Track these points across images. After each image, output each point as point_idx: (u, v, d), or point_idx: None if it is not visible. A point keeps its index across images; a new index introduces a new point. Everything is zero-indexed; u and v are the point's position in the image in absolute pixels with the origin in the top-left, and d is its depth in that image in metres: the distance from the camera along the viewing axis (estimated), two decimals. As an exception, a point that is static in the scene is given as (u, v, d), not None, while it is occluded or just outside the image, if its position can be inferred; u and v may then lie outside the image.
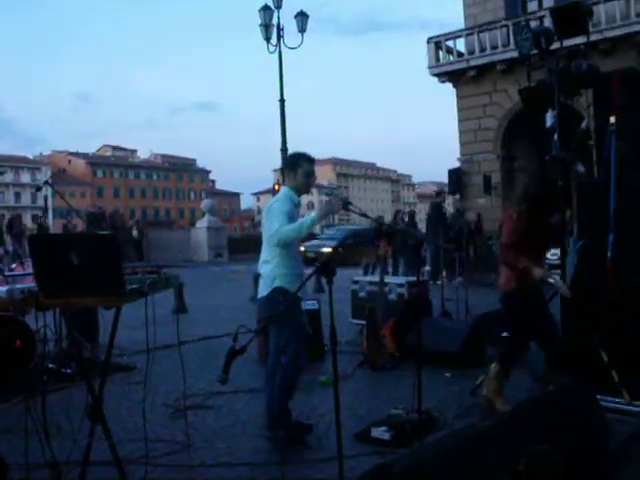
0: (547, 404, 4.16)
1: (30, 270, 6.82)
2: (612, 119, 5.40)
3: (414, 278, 8.50)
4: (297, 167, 4.71)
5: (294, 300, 4.40)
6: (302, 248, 21.14)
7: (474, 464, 3.30)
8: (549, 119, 5.50)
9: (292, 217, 4.52)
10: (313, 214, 4.51)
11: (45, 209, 7.58)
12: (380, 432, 4.53)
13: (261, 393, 5.93)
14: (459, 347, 6.77)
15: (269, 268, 4.57)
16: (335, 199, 4.49)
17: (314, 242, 25.42)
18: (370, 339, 6.94)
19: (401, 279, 8.54)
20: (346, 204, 4.44)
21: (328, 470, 3.96)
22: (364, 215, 4.61)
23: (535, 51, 5.85)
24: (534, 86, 5.65)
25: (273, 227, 4.48)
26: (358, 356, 7.05)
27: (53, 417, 3.70)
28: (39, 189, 7.72)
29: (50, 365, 6.58)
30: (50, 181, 7.87)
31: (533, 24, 17.97)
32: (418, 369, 4.00)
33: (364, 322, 7.50)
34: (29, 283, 4.44)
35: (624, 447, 4.33)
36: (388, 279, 7.99)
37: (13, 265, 7.00)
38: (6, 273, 6.41)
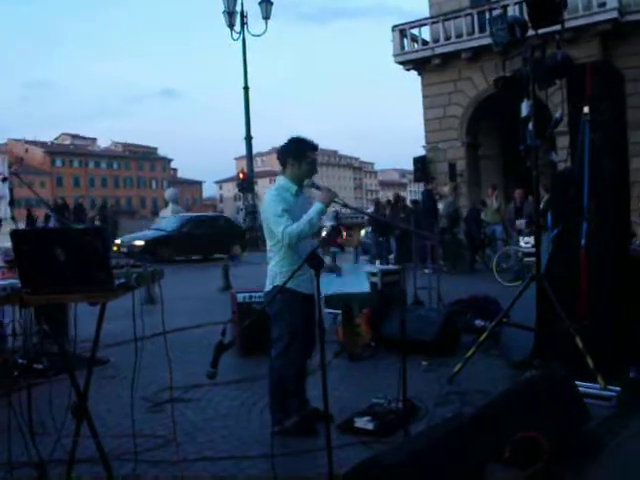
0: (528, 391, 4.22)
1: (-1, 263, 6.70)
2: (586, 109, 5.48)
3: (388, 266, 8.54)
4: (303, 156, 4.50)
5: (291, 298, 4.32)
6: (117, 241, 20.73)
7: (463, 454, 3.33)
8: (525, 109, 5.54)
9: (292, 211, 4.36)
10: (317, 205, 4.31)
11: (12, 201, 7.40)
12: (364, 422, 4.54)
13: (239, 385, 5.94)
14: (435, 336, 6.82)
15: (271, 264, 4.50)
16: (329, 189, 4.36)
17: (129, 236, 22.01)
18: (345, 328, 6.94)
19: (374, 267, 8.55)
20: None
21: (315, 462, 3.96)
22: (353, 208, 4.56)
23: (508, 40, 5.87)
24: (510, 76, 5.69)
25: (277, 230, 4.34)
26: (334, 345, 7.05)
27: (35, 413, 3.61)
28: (5, 180, 7.53)
29: (20, 360, 6.45)
30: (15, 171, 7.65)
31: (495, 13, 18.19)
32: (402, 358, 4.02)
33: (338, 311, 7.51)
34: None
35: (600, 430, 4.42)
36: (362, 267, 7.99)
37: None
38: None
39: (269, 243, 4.55)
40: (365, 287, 7.05)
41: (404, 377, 4.04)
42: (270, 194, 4.55)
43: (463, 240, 16.51)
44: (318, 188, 4.50)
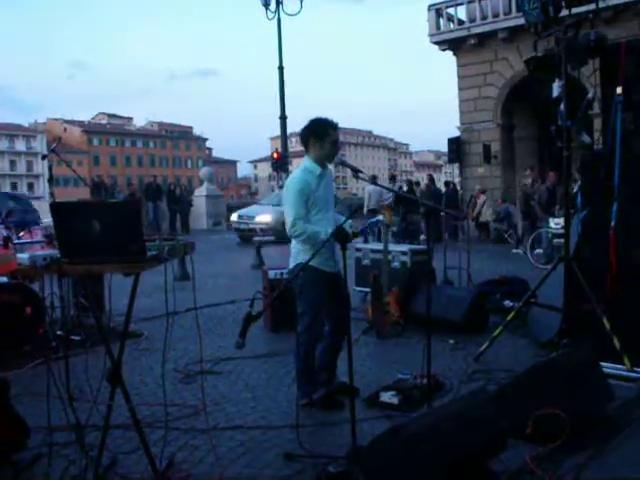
0: (552, 369, 4.26)
1: (38, 238, 6.92)
2: (619, 89, 5.42)
3: (417, 246, 8.56)
4: (325, 136, 4.53)
5: (313, 275, 4.38)
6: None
7: (483, 427, 3.40)
8: (556, 89, 5.51)
9: (309, 195, 4.44)
10: (328, 232, 4.19)
11: (50, 178, 7.58)
12: (389, 396, 4.64)
13: (269, 359, 6.08)
14: (463, 315, 6.87)
15: (293, 242, 4.59)
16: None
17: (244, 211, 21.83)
18: (375, 306, 7.03)
19: (404, 247, 8.59)
20: (356, 172, 4.45)
21: (339, 433, 4.07)
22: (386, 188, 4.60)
23: (542, 19, 5.83)
24: (541, 56, 5.64)
25: (288, 214, 4.45)
26: (363, 323, 7.15)
27: (72, 381, 3.78)
28: (44, 157, 7.72)
29: (58, 332, 6.67)
30: (55, 149, 7.84)
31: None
32: (427, 335, 4.09)
33: (368, 289, 7.60)
34: (38, 251, 4.52)
35: (624, 411, 4.44)
36: (391, 247, 8.03)
37: (21, 233, 7.05)
38: (15, 241, 6.48)
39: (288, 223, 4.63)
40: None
41: (429, 353, 4.11)
42: (293, 176, 4.67)
43: None
44: (348, 166, 4.58)
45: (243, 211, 21.77)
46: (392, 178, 22.36)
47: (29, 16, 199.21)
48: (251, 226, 19.82)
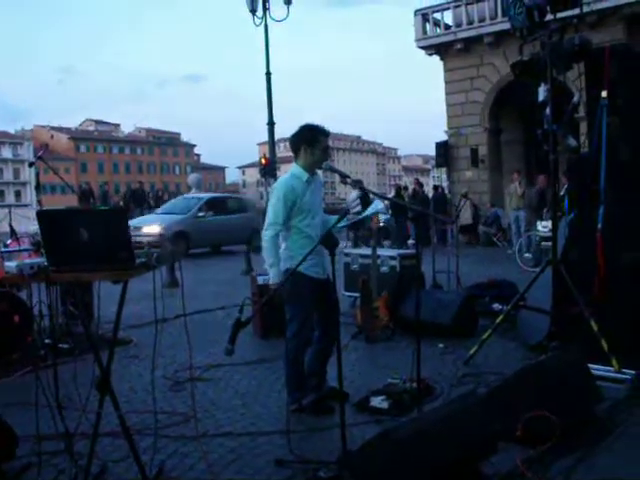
0: (541, 372, 4.28)
1: (26, 246, 6.87)
2: (604, 93, 5.46)
3: (406, 250, 8.58)
4: (316, 142, 4.55)
5: (301, 281, 4.39)
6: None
7: (473, 431, 3.41)
8: (541, 93, 5.55)
9: (295, 200, 4.46)
10: (272, 272, 4.46)
11: (37, 185, 7.54)
12: (379, 401, 4.65)
13: (259, 365, 6.07)
14: (452, 319, 6.89)
15: (282, 248, 4.59)
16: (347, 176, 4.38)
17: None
18: (364, 311, 7.03)
19: (393, 251, 8.61)
20: (355, 183, 4.49)
21: (330, 438, 4.06)
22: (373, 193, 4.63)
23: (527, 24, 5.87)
24: (527, 60, 5.69)
25: (267, 217, 4.50)
26: (352, 327, 7.15)
27: (61, 390, 3.75)
28: (32, 165, 7.68)
29: (47, 340, 6.63)
30: (42, 156, 7.79)
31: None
32: (417, 340, 4.09)
33: (357, 294, 7.60)
34: (25, 259, 4.50)
35: (613, 412, 4.47)
36: (380, 251, 8.04)
37: (8, 241, 7.00)
38: (2, 249, 6.43)
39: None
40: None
41: (418, 358, 4.12)
42: (280, 181, 4.69)
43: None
44: (336, 171, 4.58)
45: (133, 221, 17.61)
46: (397, 191, 21.93)
47: (16, 20, 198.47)
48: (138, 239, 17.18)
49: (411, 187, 23.26)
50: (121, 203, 29.09)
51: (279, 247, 4.54)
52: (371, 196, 4.54)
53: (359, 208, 13.98)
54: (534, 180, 15.44)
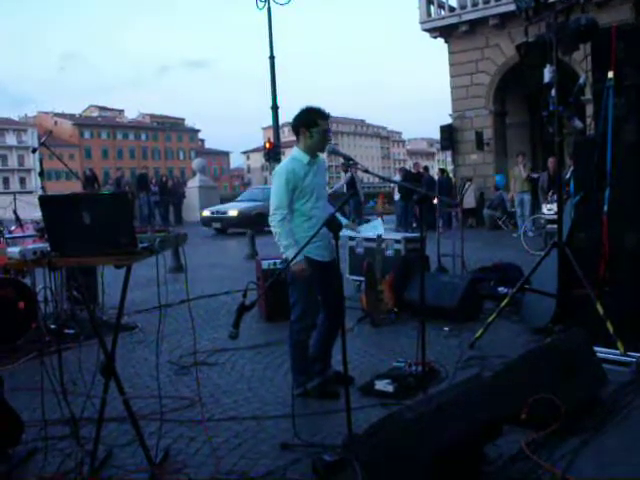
0: (546, 355, 4.27)
1: (30, 232, 6.88)
2: (610, 74, 5.40)
3: (411, 234, 8.54)
4: (313, 125, 4.51)
5: (306, 264, 4.37)
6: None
7: (478, 413, 3.40)
8: (547, 74, 5.50)
9: (296, 183, 4.44)
10: (290, 253, 4.31)
11: (41, 171, 7.54)
12: (384, 385, 4.64)
13: (264, 349, 6.08)
14: (457, 302, 6.88)
15: None
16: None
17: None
18: (369, 295, 7.03)
19: (398, 235, 8.58)
20: (347, 160, 4.44)
21: (335, 422, 4.07)
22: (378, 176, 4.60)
23: (532, 5, 5.81)
24: (532, 41, 5.63)
25: (272, 202, 4.46)
26: (357, 312, 7.15)
27: (66, 375, 3.76)
28: (35, 151, 7.67)
29: (52, 326, 6.65)
30: (45, 143, 7.79)
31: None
32: (421, 322, 4.07)
33: (362, 278, 7.59)
34: (29, 245, 4.50)
35: (618, 395, 4.46)
36: (385, 235, 8.02)
37: (12, 227, 7.01)
38: (6, 235, 6.45)
39: None
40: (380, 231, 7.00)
41: (423, 341, 4.10)
42: (280, 166, 4.64)
43: None
44: (340, 154, 4.55)
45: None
46: (405, 175, 21.71)
47: (19, 8, 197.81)
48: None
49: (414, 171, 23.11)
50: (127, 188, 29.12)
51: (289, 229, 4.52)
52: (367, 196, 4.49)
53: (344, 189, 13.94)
54: (539, 163, 15.33)
